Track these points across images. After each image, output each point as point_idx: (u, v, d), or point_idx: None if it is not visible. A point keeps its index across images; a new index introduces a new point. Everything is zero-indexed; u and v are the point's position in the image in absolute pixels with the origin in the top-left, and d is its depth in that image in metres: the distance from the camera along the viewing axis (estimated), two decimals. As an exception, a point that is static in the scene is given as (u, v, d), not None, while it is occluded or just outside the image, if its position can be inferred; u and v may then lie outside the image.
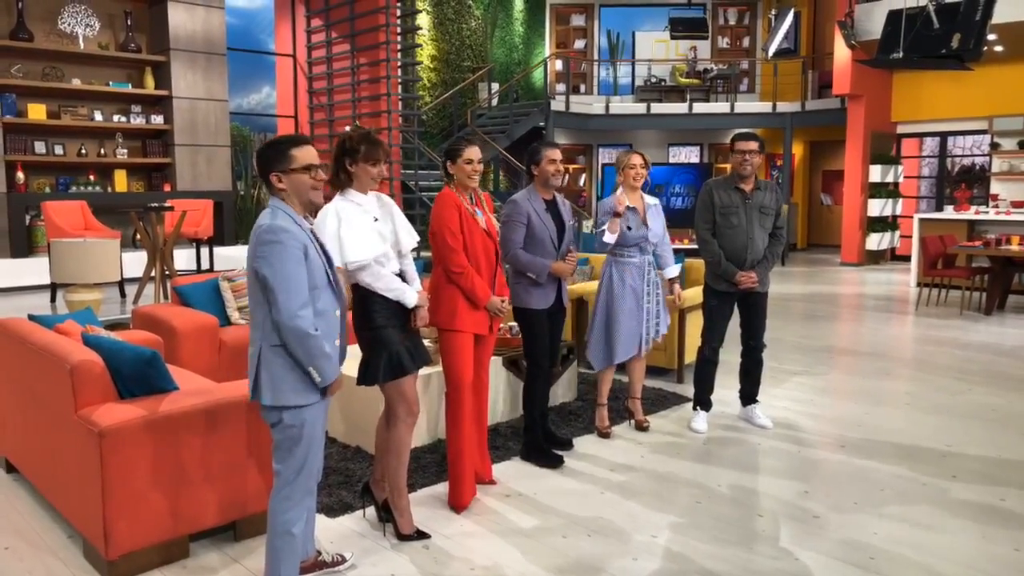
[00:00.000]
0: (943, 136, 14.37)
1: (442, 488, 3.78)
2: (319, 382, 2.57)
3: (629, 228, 4.46)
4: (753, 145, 4.48)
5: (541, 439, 4.22)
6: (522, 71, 16.36)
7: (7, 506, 3.65)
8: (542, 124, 14.45)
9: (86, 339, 3.28)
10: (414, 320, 3.30)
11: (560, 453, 4.22)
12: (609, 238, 4.40)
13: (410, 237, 3.34)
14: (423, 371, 4.33)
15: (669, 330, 5.46)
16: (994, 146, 12.91)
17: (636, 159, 4.48)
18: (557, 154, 4.08)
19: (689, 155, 17.84)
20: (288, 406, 2.57)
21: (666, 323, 4.74)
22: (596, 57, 17.52)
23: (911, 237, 11.32)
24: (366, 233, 3.12)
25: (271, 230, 2.49)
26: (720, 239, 4.56)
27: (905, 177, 14.35)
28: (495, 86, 15.50)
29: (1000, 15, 9.53)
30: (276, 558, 2.67)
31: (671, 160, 17.40)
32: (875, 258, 14.13)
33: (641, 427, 4.74)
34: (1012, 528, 3.44)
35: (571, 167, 17.41)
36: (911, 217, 11.87)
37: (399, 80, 12.16)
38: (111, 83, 10.69)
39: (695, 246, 4.81)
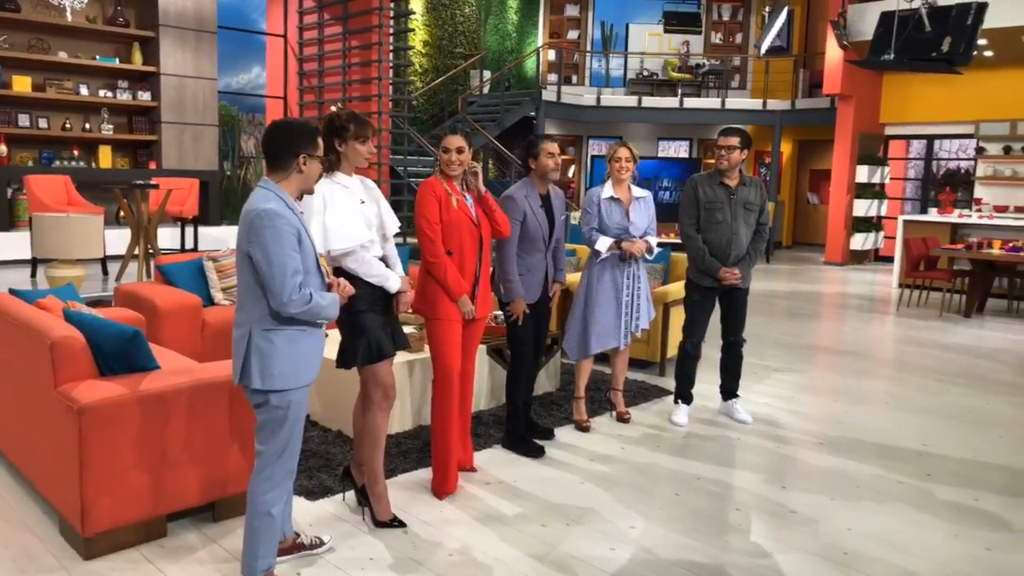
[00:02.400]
0: (930, 139, 14.47)
1: (423, 474, 3.79)
2: (331, 319, 2.72)
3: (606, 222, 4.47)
4: (732, 140, 4.47)
5: (523, 429, 4.24)
6: (514, 60, 16.29)
7: (-17, 481, 3.62)
8: (533, 114, 14.41)
9: (67, 315, 3.25)
10: (396, 306, 3.30)
11: (541, 444, 4.23)
12: (601, 246, 4.42)
13: (394, 222, 3.34)
14: (407, 357, 4.35)
15: (652, 324, 5.48)
16: (979, 150, 13.02)
17: (623, 152, 4.46)
18: (555, 147, 4.11)
19: (678, 149, 17.87)
20: (277, 390, 2.58)
21: (648, 317, 4.72)
22: (589, 48, 17.48)
23: (895, 238, 11.40)
24: (352, 219, 3.11)
25: (266, 215, 2.48)
26: (704, 234, 4.57)
27: (891, 178, 14.45)
28: (487, 74, 15.42)
29: (991, 20, 9.60)
30: (255, 538, 2.67)
31: (660, 154, 17.42)
32: (859, 258, 14.24)
33: (622, 419, 4.76)
34: (984, 528, 3.49)
35: (561, 158, 17.37)
36: (895, 218, 11.96)
37: (391, 64, 12.08)
38: (98, 57, 10.54)
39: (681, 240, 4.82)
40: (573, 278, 6.16)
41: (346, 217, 3.09)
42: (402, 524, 3.29)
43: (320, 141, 2.65)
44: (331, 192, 3.10)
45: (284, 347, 2.57)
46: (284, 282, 2.47)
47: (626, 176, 4.48)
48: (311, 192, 2.74)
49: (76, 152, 10.55)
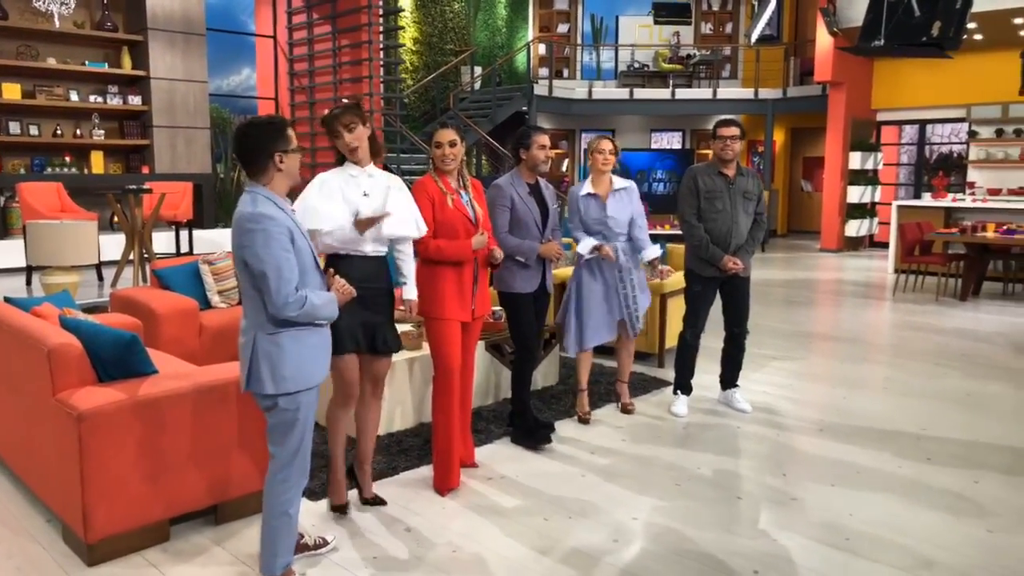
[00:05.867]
0: (922, 124, 14.48)
1: (425, 471, 3.79)
2: (331, 318, 2.67)
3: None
4: (734, 131, 4.52)
5: (532, 423, 4.24)
6: (505, 55, 16.27)
7: (-16, 490, 3.61)
8: (525, 108, 14.40)
9: (64, 322, 3.24)
10: (408, 308, 3.37)
11: (549, 422, 4.26)
12: (583, 249, 4.44)
13: (400, 226, 3.23)
14: (408, 355, 4.34)
15: (650, 315, 5.49)
16: (972, 134, 13.04)
17: (605, 144, 4.49)
18: (546, 139, 4.11)
19: (671, 140, 17.86)
20: (289, 392, 2.59)
21: (644, 305, 4.69)
22: (579, 41, 17.46)
23: (889, 224, 11.42)
24: (332, 202, 3.10)
25: (254, 218, 2.46)
26: (705, 224, 4.57)
27: (884, 164, 14.46)
28: (478, 70, 15.40)
29: (980, 4, 9.58)
30: (274, 537, 2.70)
31: (653, 146, 17.41)
32: (854, 244, 14.26)
33: (627, 410, 4.77)
34: (985, 510, 3.50)
35: (553, 152, 17.37)
36: (890, 204, 11.98)
37: (381, 63, 12.05)
38: (87, 63, 10.50)
39: (677, 231, 4.82)
40: (568, 272, 6.16)
41: (327, 199, 3.10)
42: (344, 510, 3.33)
43: (290, 133, 2.59)
44: (331, 178, 3.16)
45: (291, 348, 2.57)
46: (279, 286, 2.45)
47: (608, 168, 4.49)
48: (299, 187, 2.74)
49: (68, 158, 10.52)
